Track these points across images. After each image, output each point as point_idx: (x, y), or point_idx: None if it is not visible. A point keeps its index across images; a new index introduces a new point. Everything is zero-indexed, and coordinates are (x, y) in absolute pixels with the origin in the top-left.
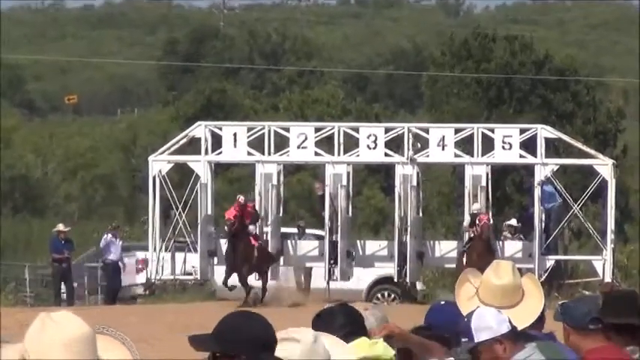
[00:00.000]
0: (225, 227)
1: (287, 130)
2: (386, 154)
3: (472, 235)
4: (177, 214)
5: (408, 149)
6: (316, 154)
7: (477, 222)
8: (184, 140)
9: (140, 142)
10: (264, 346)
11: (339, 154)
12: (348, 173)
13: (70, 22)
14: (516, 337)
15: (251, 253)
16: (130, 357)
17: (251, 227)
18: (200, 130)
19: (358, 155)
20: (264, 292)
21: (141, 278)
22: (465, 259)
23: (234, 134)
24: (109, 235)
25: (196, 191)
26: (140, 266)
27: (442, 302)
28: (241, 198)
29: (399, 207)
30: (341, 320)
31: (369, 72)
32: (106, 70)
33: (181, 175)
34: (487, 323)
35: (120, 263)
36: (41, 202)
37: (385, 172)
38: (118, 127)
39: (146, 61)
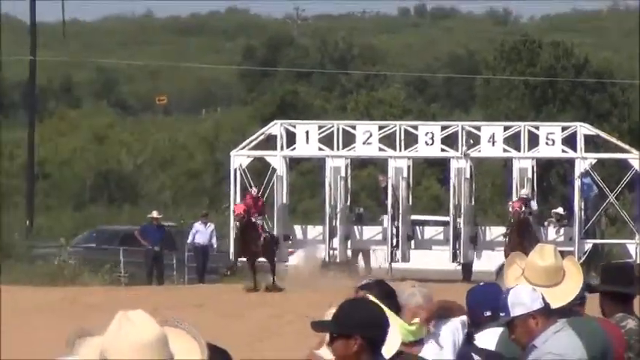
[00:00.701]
0: (237, 222)
1: (354, 128)
2: (442, 150)
3: (511, 219)
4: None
5: (462, 145)
6: (380, 149)
7: (510, 209)
8: (262, 137)
9: (222, 139)
10: (374, 327)
11: (400, 150)
12: (408, 166)
13: (159, 31)
14: (549, 313)
15: (257, 243)
16: (199, 354)
17: (259, 219)
18: (276, 128)
19: (417, 150)
20: (274, 276)
21: (225, 260)
22: (506, 240)
23: (307, 132)
24: (199, 222)
25: (273, 182)
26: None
27: (482, 283)
28: (254, 190)
29: (454, 196)
30: (375, 294)
31: (427, 75)
32: (191, 73)
33: (259, 168)
34: (522, 300)
35: (209, 246)
36: (133, 192)
37: (441, 165)
38: (203, 125)
39: (227, 66)
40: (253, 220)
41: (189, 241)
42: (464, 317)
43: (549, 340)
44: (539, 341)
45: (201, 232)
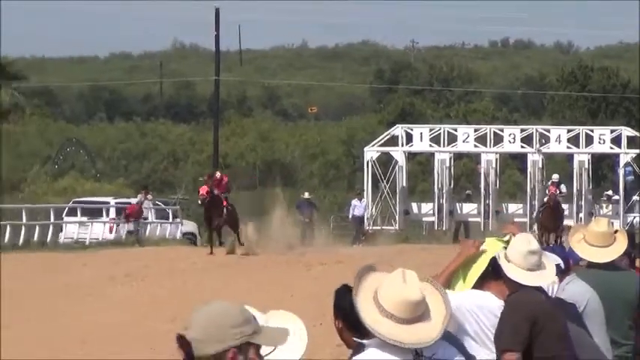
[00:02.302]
0: (199, 201)
1: (455, 130)
2: (521, 147)
3: (546, 199)
4: (383, 186)
5: (536, 143)
6: (475, 146)
7: (547, 192)
8: (387, 137)
9: (357, 138)
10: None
11: (490, 147)
12: (496, 159)
13: (311, 57)
14: (566, 270)
15: (222, 213)
16: (444, 312)
17: (223, 195)
18: (398, 130)
19: (503, 147)
20: (239, 241)
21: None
22: (540, 215)
23: (421, 133)
24: (355, 199)
25: (395, 171)
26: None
27: (551, 244)
28: (217, 174)
29: (530, 182)
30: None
31: (510, 92)
32: (335, 90)
33: (385, 161)
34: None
35: (363, 217)
36: (291, 178)
37: (520, 159)
38: (343, 129)
39: (362, 85)
40: (216, 193)
41: (349, 214)
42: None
43: (564, 289)
44: (559, 289)
45: (357, 207)
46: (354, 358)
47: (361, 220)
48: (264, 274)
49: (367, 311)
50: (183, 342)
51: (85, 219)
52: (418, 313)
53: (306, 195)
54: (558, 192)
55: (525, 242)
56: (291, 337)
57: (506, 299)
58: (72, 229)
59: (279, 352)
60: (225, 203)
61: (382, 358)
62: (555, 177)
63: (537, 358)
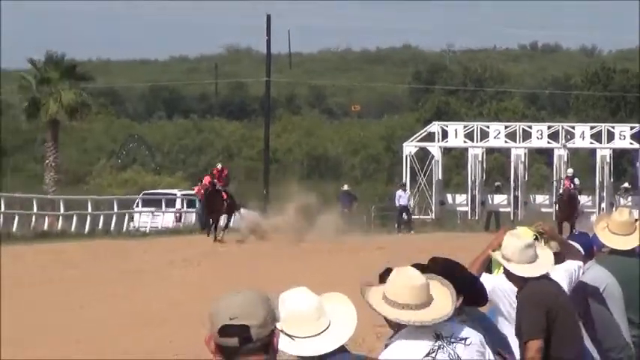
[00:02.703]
0: (202, 190)
1: (487, 127)
2: (548, 142)
3: (561, 191)
4: (420, 178)
5: (562, 139)
6: (505, 142)
7: (562, 185)
8: (424, 133)
9: (396, 134)
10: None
11: (519, 142)
12: (525, 154)
13: (355, 60)
14: (590, 256)
15: (222, 204)
16: (450, 301)
17: (221, 187)
18: (434, 127)
19: (531, 142)
20: (227, 227)
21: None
22: (556, 206)
23: (455, 129)
24: (400, 190)
25: (432, 165)
26: None
27: (576, 232)
28: (219, 166)
29: (556, 174)
30: None
31: (538, 91)
32: (377, 90)
33: (422, 155)
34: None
35: (408, 206)
36: (335, 171)
37: (547, 153)
38: (384, 126)
39: (401, 85)
40: (217, 188)
41: (396, 203)
42: (580, 262)
43: (584, 274)
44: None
45: (402, 197)
46: (387, 341)
47: (406, 209)
48: (310, 260)
49: (386, 311)
50: (240, 330)
51: (153, 209)
52: (426, 297)
53: (346, 187)
54: (572, 186)
55: (519, 239)
56: (344, 318)
57: (518, 294)
58: (142, 218)
59: (332, 330)
60: (225, 196)
61: (409, 341)
62: (570, 171)
63: (553, 345)
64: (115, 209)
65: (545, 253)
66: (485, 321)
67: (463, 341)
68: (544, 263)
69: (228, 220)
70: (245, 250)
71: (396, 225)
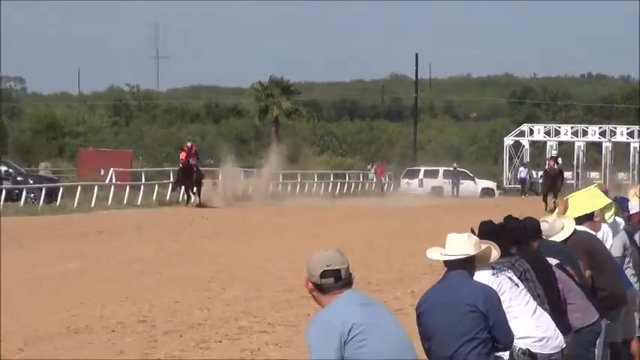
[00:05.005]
0: (180, 164)
1: (559, 127)
2: (598, 138)
3: (547, 168)
4: (516, 161)
5: (607, 136)
6: (571, 137)
7: (547, 164)
8: (518, 131)
9: (499, 132)
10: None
11: (579, 137)
12: (584, 144)
13: (473, 83)
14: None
15: (192, 175)
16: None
17: (194, 161)
18: (524, 127)
19: (587, 138)
20: (199, 197)
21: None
22: (541, 181)
23: (538, 129)
24: (521, 167)
25: (523, 152)
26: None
27: (618, 198)
28: (189, 144)
29: (604, 159)
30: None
31: (592, 104)
32: (487, 103)
33: (516, 146)
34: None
35: (526, 179)
36: (458, 156)
37: (598, 145)
38: (491, 126)
39: (503, 99)
40: (190, 162)
41: (517, 176)
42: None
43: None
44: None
45: (522, 171)
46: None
47: (525, 180)
48: (457, 215)
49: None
50: (334, 273)
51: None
52: (479, 245)
53: (455, 166)
54: (555, 165)
55: (545, 221)
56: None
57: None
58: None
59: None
60: (194, 169)
61: (480, 272)
62: (554, 153)
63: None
64: (315, 179)
65: (563, 222)
66: (558, 247)
67: (506, 271)
68: (569, 226)
69: (198, 187)
70: (338, 216)
71: (520, 191)
